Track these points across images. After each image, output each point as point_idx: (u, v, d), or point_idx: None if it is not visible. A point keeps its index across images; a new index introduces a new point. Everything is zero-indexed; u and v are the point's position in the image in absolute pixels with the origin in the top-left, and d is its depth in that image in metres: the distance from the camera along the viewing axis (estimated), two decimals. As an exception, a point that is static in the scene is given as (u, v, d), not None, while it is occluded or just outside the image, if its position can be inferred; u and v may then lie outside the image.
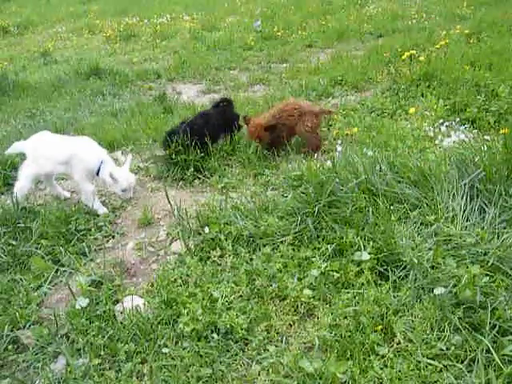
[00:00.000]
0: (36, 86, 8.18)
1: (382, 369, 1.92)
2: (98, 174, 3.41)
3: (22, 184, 3.46)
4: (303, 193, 3.06)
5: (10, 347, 2.25)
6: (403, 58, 5.70)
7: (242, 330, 2.14)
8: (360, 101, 5.35)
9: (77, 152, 3.38)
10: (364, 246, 2.55)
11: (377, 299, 2.23)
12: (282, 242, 2.70)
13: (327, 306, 2.29)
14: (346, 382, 1.86)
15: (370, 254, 2.52)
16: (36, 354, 2.20)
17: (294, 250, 2.65)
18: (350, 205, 2.85)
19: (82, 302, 2.36)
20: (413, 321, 2.13)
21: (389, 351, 2.00)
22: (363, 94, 5.74)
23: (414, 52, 5.76)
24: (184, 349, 2.09)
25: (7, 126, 5.93)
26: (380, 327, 2.09)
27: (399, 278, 2.40)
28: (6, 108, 6.90)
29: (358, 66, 6.58)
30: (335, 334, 2.08)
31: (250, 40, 9.79)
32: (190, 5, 15.21)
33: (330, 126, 4.72)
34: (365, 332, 2.07)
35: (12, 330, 2.33)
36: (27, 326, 2.38)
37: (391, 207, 2.89)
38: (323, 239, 2.69)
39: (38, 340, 2.27)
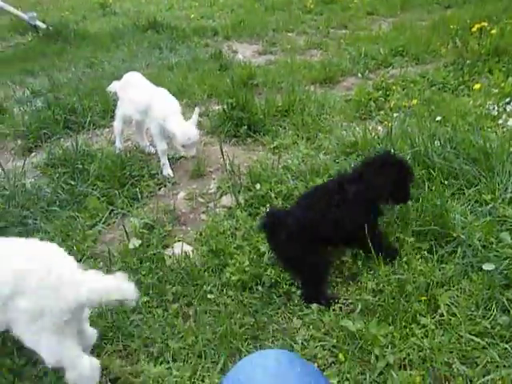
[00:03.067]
0: (95, 36, 8.34)
1: (422, 338, 1.92)
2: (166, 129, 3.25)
3: (116, 123, 3.56)
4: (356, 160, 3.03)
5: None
6: (473, 30, 5.38)
7: (286, 285, 2.18)
8: (421, 73, 5.13)
9: (151, 104, 3.28)
10: (415, 219, 2.51)
11: (422, 271, 2.22)
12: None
13: (371, 272, 2.29)
14: (385, 345, 1.87)
15: (419, 226, 2.49)
16: (90, 286, 2.34)
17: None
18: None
19: (135, 242, 2.47)
20: (458, 296, 2.10)
21: (431, 322, 1.99)
22: (425, 66, 5.49)
23: (485, 24, 5.42)
24: (228, 297, 2.17)
25: (68, 73, 6.11)
26: (424, 298, 2.08)
27: (447, 253, 2.36)
28: (67, 56, 7.10)
29: (421, 36, 6.27)
30: (378, 299, 2.09)
31: (310, 3, 9.50)
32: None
33: (388, 96, 4.57)
34: (408, 300, 2.07)
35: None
36: (83, 259, 2.52)
37: (446, 182, 2.82)
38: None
39: (92, 273, 2.41)
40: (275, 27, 7.93)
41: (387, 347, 1.87)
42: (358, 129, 3.68)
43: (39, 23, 8.90)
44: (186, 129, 3.16)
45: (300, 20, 8.44)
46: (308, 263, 2.13)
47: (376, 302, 2.08)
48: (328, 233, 2.16)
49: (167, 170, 3.35)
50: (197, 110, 3.33)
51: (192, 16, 9.55)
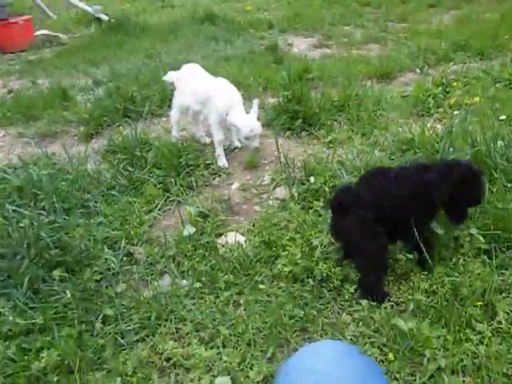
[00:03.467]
0: (154, 27, 8.56)
1: (477, 344, 1.86)
2: (226, 119, 3.32)
3: (173, 113, 3.65)
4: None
5: (124, 259, 2.52)
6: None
7: (336, 280, 2.18)
8: (485, 69, 4.91)
9: (212, 95, 3.32)
10: (473, 220, 2.43)
11: (480, 275, 2.14)
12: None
13: (424, 272, 2.24)
14: (437, 348, 1.83)
15: (477, 228, 2.40)
16: (146, 269, 2.45)
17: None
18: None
19: (190, 229, 2.54)
20: (518, 304, 2.02)
21: (487, 329, 1.92)
22: (489, 62, 5.25)
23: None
24: (279, 288, 2.20)
25: (128, 64, 6.31)
26: (480, 303, 2.01)
27: (508, 258, 2.27)
28: (127, 47, 7.33)
29: (486, 30, 5.99)
30: (431, 300, 2.04)
31: (368, -4, 9.29)
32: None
33: (448, 92, 4.41)
34: (463, 304, 2.01)
35: (127, 245, 2.59)
36: (139, 243, 2.63)
37: (509, 184, 2.70)
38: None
39: (147, 257, 2.52)
40: (331, 20, 7.84)
41: (439, 350, 1.83)
42: (415, 126, 3.58)
43: (102, 15, 9.25)
44: (249, 121, 3.21)
45: (357, 13, 8.29)
46: (372, 249, 2.14)
47: (429, 303, 2.04)
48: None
49: (222, 161, 3.40)
50: (256, 101, 3.36)
51: (248, 8, 9.60)
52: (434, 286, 2.12)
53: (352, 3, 8.98)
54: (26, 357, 1.90)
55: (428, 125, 3.46)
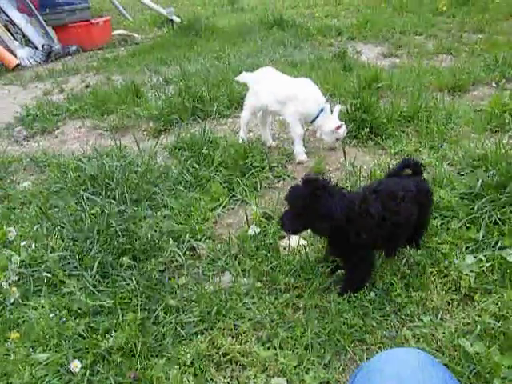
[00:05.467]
0: (223, 30, 8.76)
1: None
2: (313, 121, 3.46)
3: (244, 114, 3.75)
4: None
5: (188, 253, 2.60)
6: None
7: (399, 290, 2.14)
8: None
9: (298, 94, 3.41)
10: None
11: (558, 304, 2.02)
12: (453, 217, 2.58)
13: (491, 294, 2.14)
14: (508, 378, 1.74)
15: None
16: (208, 264, 2.51)
17: (465, 229, 2.50)
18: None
19: (255, 229, 2.58)
20: None
21: (562, 363, 1.80)
22: None
23: None
24: (340, 295, 2.17)
25: (197, 64, 6.51)
26: (557, 334, 1.90)
27: None
28: (197, 48, 7.56)
29: None
30: (501, 325, 1.94)
31: (442, 4, 9.00)
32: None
33: (530, 108, 4.18)
34: (537, 334, 1.90)
35: (191, 239, 2.67)
36: (203, 239, 2.70)
37: None
38: (501, 229, 2.47)
39: (210, 253, 2.58)
40: (402, 29, 7.67)
41: (509, 380, 1.74)
42: (488, 142, 3.43)
43: (175, 17, 9.61)
44: (339, 125, 3.40)
45: (430, 22, 8.05)
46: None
47: (498, 327, 1.94)
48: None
49: (302, 156, 3.49)
50: (338, 107, 3.50)
51: (317, 14, 9.61)
52: (505, 311, 2.02)
53: (425, 13, 8.74)
54: (94, 335, 2.01)
55: (503, 141, 3.30)
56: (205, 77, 5.34)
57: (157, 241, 2.62)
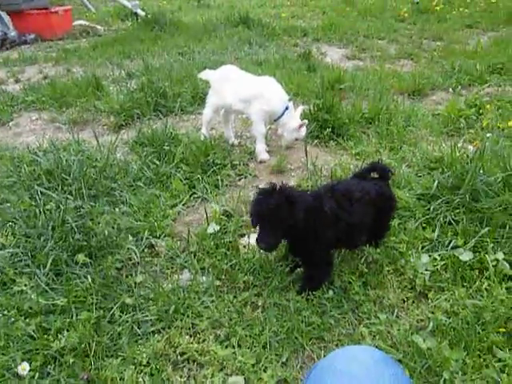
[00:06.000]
0: (188, 26, 8.66)
1: (499, 372, 1.82)
2: (277, 119, 3.46)
3: (205, 111, 3.69)
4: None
5: (146, 250, 2.54)
6: None
7: (356, 288, 2.17)
8: (520, 94, 4.84)
9: (263, 93, 3.40)
10: (500, 245, 2.39)
11: (503, 301, 2.10)
12: (410, 217, 2.64)
13: (443, 292, 2.21)
14: (456, 371, 1.80)
15: (504, 254, 2.36)
16: (167, 262, 2.46)
17: (421, 229, 2.58)
18: (492, 200, 2.66)
19: (214, 227, 2.55)
20: (543, 334, 1.97)
21: (509, 357, 1.88)
22: (525, 87, 5.17)
23: None
24: (298, 294, 2.18)
25: (161, 59, 6.40)
26: (503, 330, 1.97)
27: (534, 287, 2.22)
28: (162, 42, 7.43)
29: (525, 55, 5.90)
30: (452, 321, 2.01)
31: (404, 12, 9.26)
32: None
33: (480, 114, 4.36)
34: (485, 329, 1.97)
35: (149, 237, 2.61)
36: (162, 236, 2.65)
37: (540, 212, 2.65)
38: (454, 229, 2.56)
39: (169, 251, 2.53)
40: (366, 33, 7.83)
41: (457, 373, 1.80)
42: (444, 145, 3.55)
43: (139, 11, 9.42)
44: (302, 124, 3.42)
45: (393, 28, 8.26)
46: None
47: (449, 323, 2.00)
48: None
49: (264, 155, 3.49)
50: (301, 108, 3.53)
51: (283, 15, 9.66)
52: (456, 307, 2.09)
53: (388, 18, 8.95)
54: (46, 336, 1.93)
55: (458, 145, 3.42)
56: (168, 72, 5.25)
57: (114, 238, 2.55)
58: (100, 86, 5.14)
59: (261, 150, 3.49)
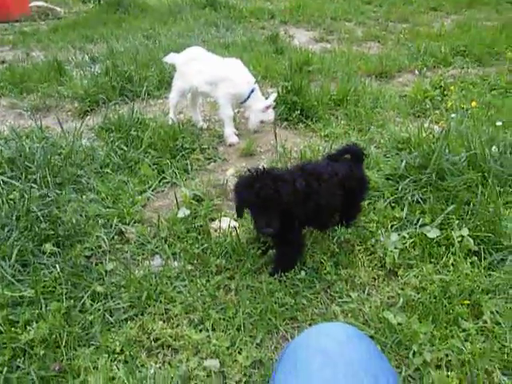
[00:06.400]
0: (154, 8, 8.45)
1: (463, 341, 1.89)
2: (244, 101, 3.42)
3: (172, 95, 3.62)
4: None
5: (116, 237, 2.50)
6: (544, 35, 5.17)
7: (328, 268, 2.20)
8: (482, 76, 4.97)
9: (229, 76, 3.34)
10: (464, 221, 2.47)
11: (468, 275, 2.17)
12: (379, 197, 2.69)
13: (412, 269, 2.27)
14: (424, 343, 1.86)
15: (469, 230, 2.44)
16: (137, 249, 2.42)
17: (390, 208, 2.62)
18: (457, 178, 2.73)
19: (185, 211, 2.52)
20: (504, 305, 2.06)
21: (472, 327, 1.95)
22: (487, 68, 5.31)
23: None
24: (271, 275, 2.19)
25: (126, 43, 6.23)
26: (467, 302, 2.05)
27: (496, 260, 2.30)
28: (126, 25, 7.23)
29: (486, 37, 6.04)
30: (420, 297, 2.06)
31: (371, -7, 9.29)
32: None
33: (445, 96, 4.46)
34: (451, 302, 2.04)
35: (119, 223, 2.56)
36: (131, 223, 2.60)
37: (501, 189, 2.75)
38: (422, 207, 2.62)
39: (139, 237, 2.49)
40: (334, 15, 7.82)
41: (426, 345, 1.86)
42: (411, 126, 3.61)
43: (101, -9, 9.09)
44: (269, 105, 3.36)
45: (359, 10, 8.29)
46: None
47: (418, 299, 2.06)
48: None
49: (233, 138, 3.45)
50: (275, 94, 3.49)
51: (250, -3, 9.54)
52: (424, 283, 2.14)
53: (355, 0, 8.97)
54: (13, 328, 1.87)
55: (425, 125, 3.48)
56: (134, 56, 5.12)
57: (82, 225, 2.49)
58: (62, 70, 4.98)
59: (229, 133, 3.46)
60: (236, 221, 2.55)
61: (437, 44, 6.00)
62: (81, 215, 2.56)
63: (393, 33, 6.93)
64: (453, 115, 3.65)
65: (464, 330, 1.94)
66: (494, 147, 3.06)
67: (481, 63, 5.49)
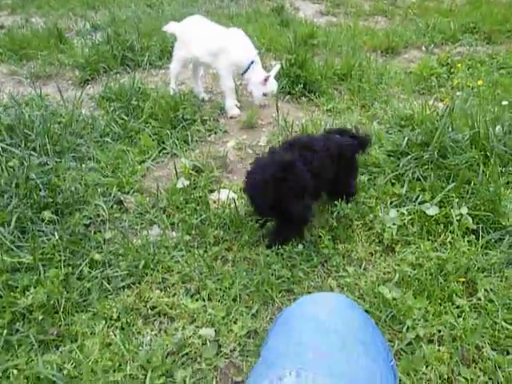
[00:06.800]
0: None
1: (456, 317, 1.91)
2: (244, 73, 3.35)
3: (173, 65, 3.56)
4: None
5: (115, 206, 2.50)
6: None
7: (325, 241, 2.20)
8: (491, 54, 4.88)
9: (228, 46, 3.28)
10: (464, 200, 2.46)
11: (465, 253, 2.18)
12: (379, 173, 2.68)
13: (410, 245, 2.27)
14: (418, 318, 1.88)
15: (468, 208, 2.43)
16: (136, 218, 2.43)
17: (390, 185, 2.61)
18: (459, 156, 2.71)
19: (184, 182, 2.52)
20: (499, 283, 2.07)
21: (466, 304, 1.97)
22: (496, 46, 5.21)
23: None
24: (268, 247, 2.20)
25: (128, 11, 6.11)
26: (463, 279, 2.06)
27: (493, 239, 2.31)
28: (128, -7, 7.06)
29: (497, 14, 5.91)
30: (416, 273, 2.08)
31: (381, -34, 9.03)
32: None
33: (451, 73, 4.39)
34: (446, 279, 2.05)
35: (118, 192, 2.56)
36: (131, 192, 2.60)
37: (503, 169, 2.73)
38: (422, 185, 2.61)
39: (138, 206, 2.49)
40: (341, -12, 7.62)
41: (419, 320, 1.88)
42: (415, 103, 3.56)
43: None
44: (272, 80, 3.31)
45: (368, -17, 8.07)
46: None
47: (414, 275, 2.07)
48: None
49: (234, 110, 3.42)
50: (278, 66, 3.45)
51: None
52: (421, 260, 2.15)
53: (363, -28, 8.74)
54: (12, 293, 1.89)
55: (429, 103, 3.43)
56: (136, 25, 5.02)
57: (81, 194, 2.49)
58: (63, 38, 4.90)
59: (230, 105, 3.43)
60: (235, 193, 2.55)
61: (446, 20, 5.88)
62: (80, 184, 2.55)
63: (401, 8, 6.78)
64: (458, 93, 3.60)
65: (458, 307, 1.96)
66: (498, 127, 3.03)
67: (490, 41, 5.38)
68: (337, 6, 6.81)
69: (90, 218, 2.39)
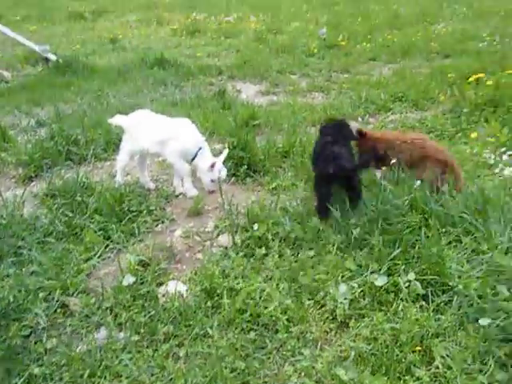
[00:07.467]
0: (103, 69, 8.53)
1: (416, 391, 1.88)
2: (192, 159, 3.45)
3: (120, 157, 3.61)
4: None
5: (58, 310, 2.38)
6: (470, 80, 5.56)
7: (284, 325, 2.16)
8: (420, 119, 5.24)
9: (176, 134, 3.40)
10: (411, 265, 2.51)
11: (417, 320, 2.19)
12: (326, 245, 2.72)
13: (363, 319, 2.26)
14: (377, 398, 1.83)
15: (415, 274, 2.48)
16: (81, 321, 2.31)
17: (340, 257, 2.64)
18: (401, 222, 2.81)
19: (129, 279, 2.45)
20: (454, 348, 2.07)
21: (425, 374, 1.95)
22: (423, 113, 5.62)
23: (482, 75, 5.59)
24: (221, 338, 2.13)
25: (74, 105, 6.21)
26: (418, 348, 2.05)
27: (443, 302, 2.34)
28: (75, 88, 7.23)
29: (420, 83, 6.44)
30: (372, 348, 2.05)
31: (313, 47, 9.77)
32: (256, 6, 15.38)
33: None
34: (402, 351, 2.03)
35: (62, 295, 2.45)
36: (75, 293, 2.49)
37: (443, 229, 2.83)
38: (368, 252, 2.66)
39: (83, 308, 2.38)
40: (279, 69, 8.13)
41: (379, 401, 1.83)
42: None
43: (50, 55, 9.13)
44: (219, 166, 3.40)
45: (303, 63, 8.66)
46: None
47: (370, 350, 2.05)
48: None
49: (192, 191, 3.50)
50: (226, 150, 3.55)
51: (198, 54, 9.81)
52: (375, 333, 2.14)
53: (299, 54, 9.40)
54: None
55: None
56: (81, 118, 5.10)
57: (21, 301, 2.36)
58: (6, 136, 4.87)
59: (189, 187, 3.51)
60: (184, 283, 2.49)
61: (377, 92, 6.33)
62: (20, 290, 2.43)
63: (335, 83, 7.25)
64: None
65: (418, 379, 1.94)
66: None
67: (418, 107, 5.81)
68: (276, 85, 7.20)
69: (31, 328, 2.25)
